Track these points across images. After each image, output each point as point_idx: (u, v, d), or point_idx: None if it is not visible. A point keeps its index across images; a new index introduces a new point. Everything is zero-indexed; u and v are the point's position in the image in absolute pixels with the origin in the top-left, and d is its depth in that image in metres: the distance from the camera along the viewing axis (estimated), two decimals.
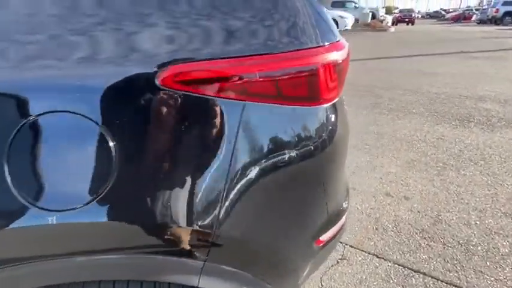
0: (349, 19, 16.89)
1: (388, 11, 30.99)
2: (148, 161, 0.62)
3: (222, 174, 0.67)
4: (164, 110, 0.63)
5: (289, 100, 0.70)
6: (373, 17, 20.60)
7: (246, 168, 0.68)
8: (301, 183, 0.79)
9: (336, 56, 0.73)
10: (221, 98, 0.65)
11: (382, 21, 19.54)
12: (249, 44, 0.66)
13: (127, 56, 0.60)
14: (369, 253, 1.63)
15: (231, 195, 0.69)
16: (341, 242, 1.67)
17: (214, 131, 0.66)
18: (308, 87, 0.71)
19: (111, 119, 0.58)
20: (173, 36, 0.63)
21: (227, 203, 0.69)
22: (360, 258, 1.60)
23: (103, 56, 0.59)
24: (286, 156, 0.71)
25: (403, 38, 13.77)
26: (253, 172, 0.69)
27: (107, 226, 0.62)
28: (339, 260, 1.59)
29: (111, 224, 0.61)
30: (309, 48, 0.70)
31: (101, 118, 0.57)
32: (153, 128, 0.63)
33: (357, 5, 21.08)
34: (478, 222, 1.83)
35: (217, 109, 0.66)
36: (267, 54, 0.66)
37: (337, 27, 1.35)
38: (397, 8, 41.50)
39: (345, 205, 1.01)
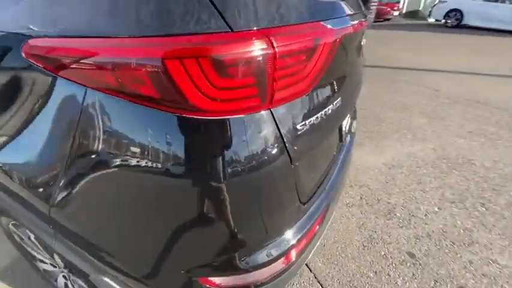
0: None
1: None
2: None
3: (60, 158, 0.68)
4: (21, 80, 0.69)
5: (137, 98, 0.57)
6: None
7: (83, 158, 0.66)
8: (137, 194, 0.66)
9: (216, 51, 0.52)
10: (67, 78, 0.62)
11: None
12: (96, 24, 0.58)
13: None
14: None
15: (67, 180, 0.70)
16: None
17: (58, 110, 0.66)
18: (156, 87, 0.55)
19: None
20: (35, 10, 0.68)
21: (63, 186, 0.71)
22: None
23: None
24: (129, 161, 0.61)
25: None
26: (89, 164, 0.65)
27: None
28: None
29: None
30: (153, 36, 0.53)
31: None
32: (8, 96, 0.73)
33: None
34: None
35: (63, 89, 0.64)
36: (110, 37, 0.57)
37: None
38: None
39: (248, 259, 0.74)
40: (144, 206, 0.67)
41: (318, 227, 0.95)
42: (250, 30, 0.57)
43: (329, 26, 0.76)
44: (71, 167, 0.68)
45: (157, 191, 0.64)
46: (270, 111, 0.63)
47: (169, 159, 0.59)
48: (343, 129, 1.38)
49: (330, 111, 0.86)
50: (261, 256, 0.75)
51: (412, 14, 18.63)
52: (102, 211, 0.73)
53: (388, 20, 15.86)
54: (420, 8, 18.68)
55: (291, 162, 0.70)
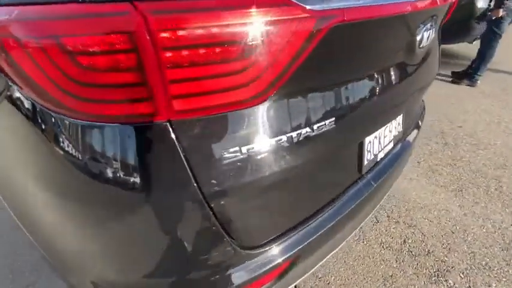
0: None
1: None
2: None
3: None
4: None
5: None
6: None
7: None
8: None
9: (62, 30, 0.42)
10: None
11: None
12: None
13: None
14: None
15: None
16: None
17: None
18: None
19: None
20: None
21: None
22: None
23: None
24: None
25: None
26: None
27: None
28: None
29: None
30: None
31: None
32: None
33: None
34: None
35: None
36: None
37: None
38: None
39: None
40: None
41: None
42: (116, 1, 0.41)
43: (308, 7, 0.51)
44: None
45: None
46: (170, 124, 0.48)
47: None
48: (370, 148, 0.95)
49: (323, 128, 0.63)
50: None
51: None
52: None
53: None
54: None
55: (204, 199, 0.55)
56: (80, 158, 0.50)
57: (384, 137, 1.01)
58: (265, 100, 0.53)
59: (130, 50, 0.42)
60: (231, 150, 0.52)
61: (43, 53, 0.44)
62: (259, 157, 0.55)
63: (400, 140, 1.15)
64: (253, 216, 0.67)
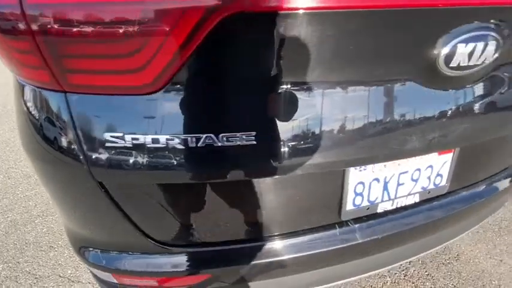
0: None
1: None
2: None
3: None
4: None
5: None
6: None
7: None
8: None
9: None
10: None
11: None
12: None
13: None
14: None
15: None
16: None
17: None
18: None
19: None
20: None
21: None
22: None
23: None
24: None
25: None
26: None
27: None
28: None
29: None
30: None
31: None
32: None
33: None
34: None
35: None
36: None
37: None
38: None
39: None
40: None
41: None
42: None
43: None
44: None
45: None
46: (65, 96, 0.53)
47: None
48: (364, 191, 0.70)
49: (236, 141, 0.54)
50: None
51: None
52: None
53: None
54: None
55: (90, 173, 0.57)
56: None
57: (397, 181, 0.72)
58: (159, 90, 0.51)
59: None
60: (115, 135, 0.53)
61: None
62: (143, 150, 0.53)
63: (446, 193, 0.82)
64: (157, 213, 0.65)
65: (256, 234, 0.70)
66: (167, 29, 0.45)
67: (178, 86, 0.51)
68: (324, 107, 0.55)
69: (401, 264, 1.41)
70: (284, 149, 0.55)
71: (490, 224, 1.59)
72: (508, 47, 0.59)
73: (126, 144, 0.52)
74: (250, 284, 0.74)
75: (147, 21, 0.44)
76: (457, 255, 1.44)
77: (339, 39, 0.50)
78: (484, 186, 0.87)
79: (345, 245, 0.73)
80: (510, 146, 0.86)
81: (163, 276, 0.71)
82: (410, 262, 1.42)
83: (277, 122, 0.54)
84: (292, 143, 0.55)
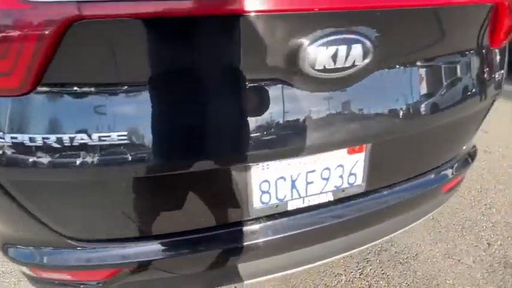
0: None
1: None
2: None
3: None
4: None
5: None
6: None
7: None
8: None
9: None
10: None
11: None
12: None
13: None
14: None
15: None
16: None
17: None
18: None
19: None
20: None
21: None
22: None
23: None
24: None
25: None
26: None
27: None
28: None
29: None
30: None
31: None
32: None
33: None
34: None
35: None
36: None
37: None
38: None
39: None
40: None
41: None
42: None
43: None
44: None
45: None
46: None
47: None
48: (269, 189, 0.71)
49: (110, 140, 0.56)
50: None
51: None
52: None
53: None
54: None
55: None
56: None
57: (306, 179, 0.73)
58: (30, 91, 0.53)
59: None
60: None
61: None
62: (22, 148, 0.56)
63: (366, 192, 0.84)
64: (56, 208, 0.67)
65: (161, 231, 0.72)
66: (20, 36, 0.48)
67: (47, 88, 0.54)
68: (203, 107, 0.58)
69: (358, 263, 1.42)
70: (155, 148, 0.57)
71: (453, 224, 1.58)
72: (385, 49, 0.61)
73: (5, 143, 0.54)
74: (157, 279, 0.77)
75: (4, 28, 0.47)
76: (416, 254, 1.44)
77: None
78: (407, 186, 0.87)
79: (254, 242, 0.74)
80: (427, 147, 0.87)
81: (74, 270, 0.74)
82: (367, 261, 1.43)
83: (151, 120, 0.56)
84: (166, 143, 0.59)
